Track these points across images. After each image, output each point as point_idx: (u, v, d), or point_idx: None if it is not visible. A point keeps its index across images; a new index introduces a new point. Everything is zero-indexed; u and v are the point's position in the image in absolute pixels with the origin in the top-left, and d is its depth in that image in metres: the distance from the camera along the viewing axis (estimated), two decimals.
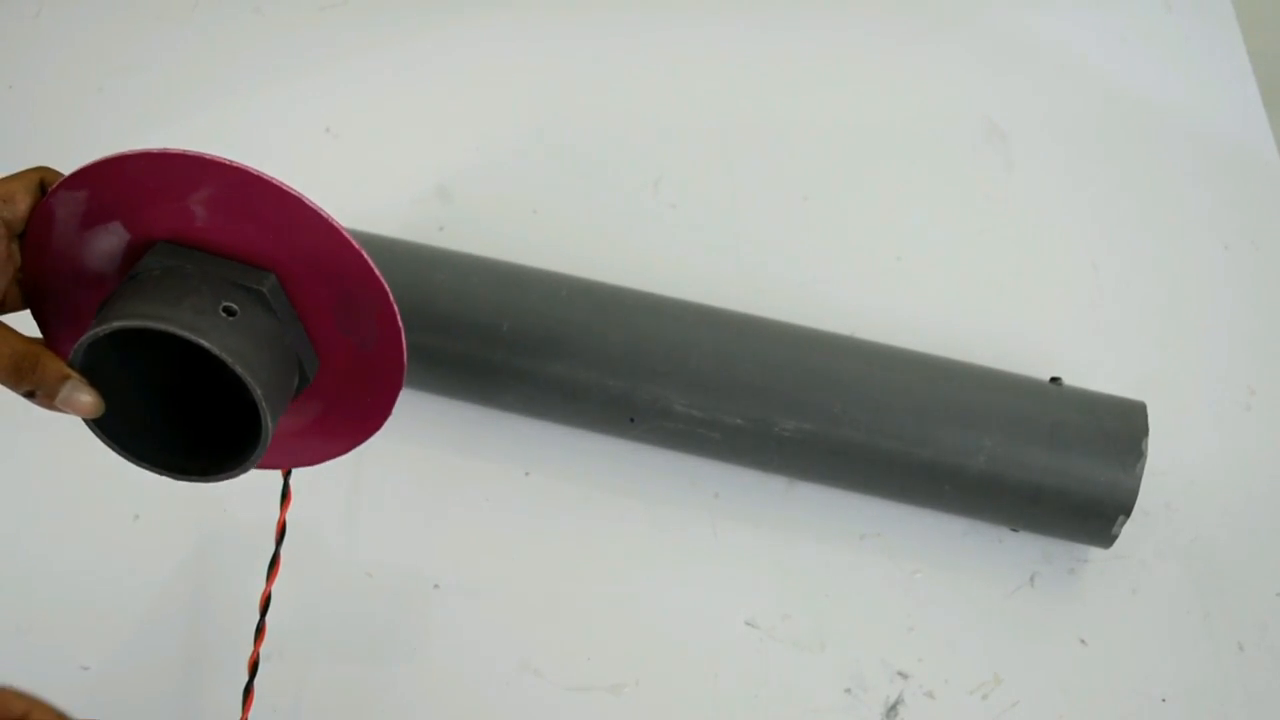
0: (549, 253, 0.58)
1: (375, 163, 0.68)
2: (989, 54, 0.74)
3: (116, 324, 0.36)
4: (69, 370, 0.36)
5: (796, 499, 0.57)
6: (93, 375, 0.37)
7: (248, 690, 0.45)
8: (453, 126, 0.70)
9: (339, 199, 0.63)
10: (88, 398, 0.37)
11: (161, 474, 0.40)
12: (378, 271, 0.39)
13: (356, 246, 0.38)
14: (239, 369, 0.36)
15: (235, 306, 0.37)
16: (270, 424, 0.38)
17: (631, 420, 0.54)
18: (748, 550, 0.56)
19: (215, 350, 0.36)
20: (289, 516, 0.57)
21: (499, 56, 0.73)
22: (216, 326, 0.36)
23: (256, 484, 0.55)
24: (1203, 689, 0.53)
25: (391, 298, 0.40)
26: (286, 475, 0.46)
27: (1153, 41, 0.75)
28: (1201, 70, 0.74)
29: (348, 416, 0.44)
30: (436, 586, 0.55)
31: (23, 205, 0.37)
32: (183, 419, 0.42)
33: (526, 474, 0.58)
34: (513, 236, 0.63)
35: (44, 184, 0.38)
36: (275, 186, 0.37)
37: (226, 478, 0.40)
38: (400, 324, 0.40)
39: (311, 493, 0.57)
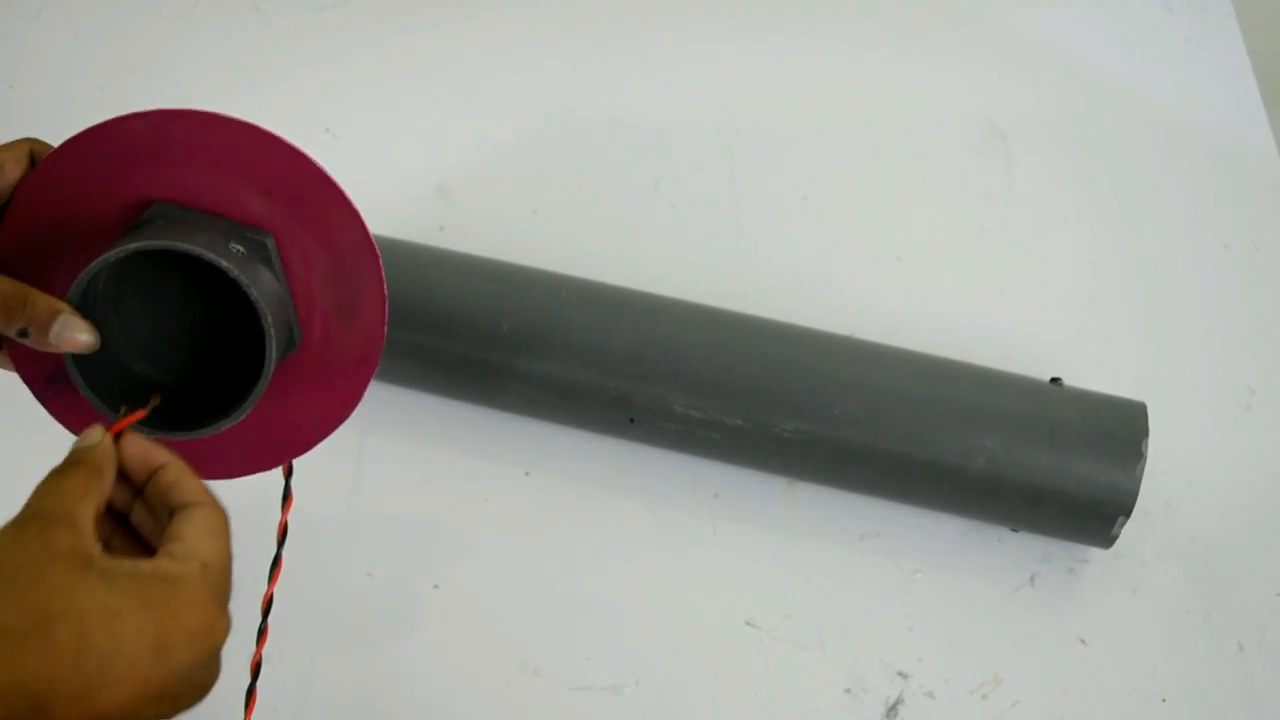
0: (549, 253, 0.58)
1: (375, 163, 0.68)
2: (989, 54, 0.74)
3: (134, 246, 0.35)
4: (60, 304, 0.35)
5: (797, 499, 0.57)
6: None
7: (250, 692, 0.45)
8: (453, 126, 0.70)
9: None
10: (83, 334, 0.35)
11: (149, 433, 0.39)
12: (373, 239, 0.39)
13: (355, 208, 0.38)
14: (252, 293, 0.36)
15: (243, 249, 0.37)
16: (274, 353, 0.37)
17: (631, 421, 0.54)
18: (748, 550, 0.56)
19: (232, 271, 0.35)
20: (289, 517, 0.57)
21: (499, 56, 0.73)
22: (229, 254, 0.36)
23: (257, 485, 0.55)
24: (1203, 689, 0.53)
25: (381, 267, 0.40)
26: (288, 476, 0.46)
27: (1153, 41, 0.75)
28: (1201, 70, 0.74)
29: (321, 396, 0.43)
30: (436, 586, 0.55)
31: (12, 174, 0.37)
32: (172, 392, 0.41)
33: (526, 474, 0.58)
34: (513, 236, 0.63)
35: (34, 155, 0.37)
36: (279, 141, 0.37)
37: (222, 426, 0.39)
38: (385, 294, 0.40)
39: (312, 493, 0.57)
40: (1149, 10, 0.76)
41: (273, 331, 0.37)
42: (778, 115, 0.71)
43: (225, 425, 0.39)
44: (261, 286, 0.37)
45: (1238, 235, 0.67)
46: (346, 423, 0.60)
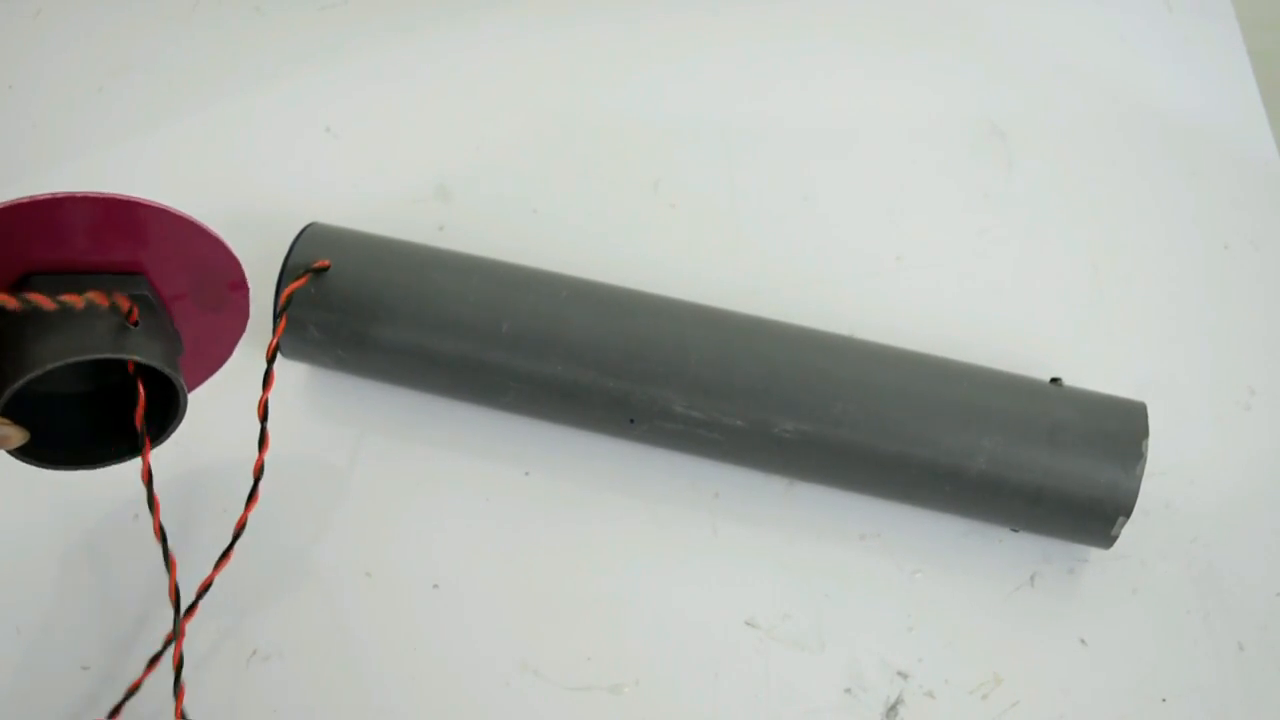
0: (549, 253, 0.58)
1: (375, 163, 0.68)
2: (988, 54, 0.74)
3: (50, 365, 0.39)
4: None
5: (797, 499, 0.57)
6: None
7: (181, 612, 0.48)
8: (453, 126, 0.70)
9: (339, 199, 0.64)
10: (12, 433, 0.41)
11: (89, 467, 0.45)
12: (224, 242, 0.45)
13: (197, 223, 0.43)
14: (167, 370, 0.42)
15: (132, 310, 0.41)
16: (185, 400, 0.44)
17: (631, 421, 0.54)
18: (748, 550, 0.56)
19: (150, 363, 0.41)
20: (289, 516, 0.57)
21: (499, 56, 0.73)
22: (130, 337, 0.41)
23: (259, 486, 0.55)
24: (1203, 689, 0.53)
25: (239, 262, 0.46)
26: (263, 422, 0.50)
27: (1153, 41, 0.75)
28: (1201, 70, 0.74)
29: (199, 362, 0.51)
30: (436, 586, 0.55)
31: None
32: (92, 412, 0.47)
33: (526, 474, 0.58)
34: (513, 237, 0.63)
35: None
36: (125, 202, 0.40)
37: (153, 447, 0.46)
38: (247, 284, 0.48)
39: (311, 492, 0.57)
40: (1149, 10, 0.76)
41: (182, 388, 0.43)
42: (777, 115, 0.71)
43: (157, 444, 0.46)
44: (164, 353, 0.42)
45: (1238, 235, 0.67)
46: (344, 422, 0.60)
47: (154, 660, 0.50)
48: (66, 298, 0.39)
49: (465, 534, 0.56)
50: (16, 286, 0.41)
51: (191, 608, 0.50)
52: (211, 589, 0.51)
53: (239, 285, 0.48)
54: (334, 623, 0.53)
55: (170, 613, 0.48)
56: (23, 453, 0.43)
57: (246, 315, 0.49)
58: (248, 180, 0.67)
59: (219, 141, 0.69)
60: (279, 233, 0.56)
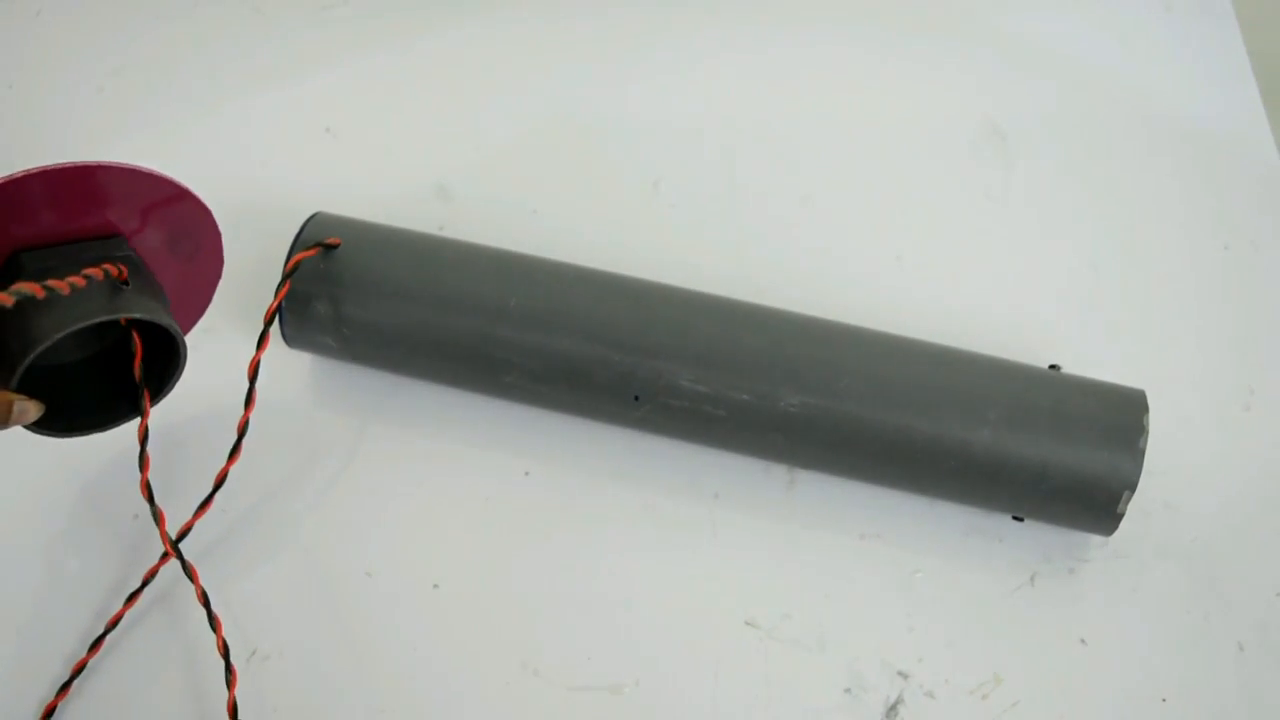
0: (549, 253, 0.58)
1: (375, 163, 0.68)
2: (988, 54, 0.74)
3: (56, 336, 0.40)
4: (11, 394, 0.41)
5: (797, 498, 0.57)
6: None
7: (207, 500, 0.51)
8: (453, 126, 0.70)
9: (339, 199, 0.64)
10: (29, 407, 0.42)
11: (101, 429, 0.47)
12: (190, 192, 0.46)
13: (163, 176, 0.44)
14: (165, 322, 0.43)
15: (122, 271, 0.43)
16: (185, 350, 0.46)
17: (636, 399, 0.53)
18: (748, 550, 0.56)
19: (147, 318, 0.43)
20: (289, 514, 0.57)
21: (499, 56, 0.73)
22: (124, 297, 0.43)
23: (255, 482, 0.55)
24: (1203, 689, 0.53)
25: (210, 213, 0.48)
26: (252, 382, 0.51)
27: (1153, 41, 0.75)
28: (1201, 70, 0.74)
29: (181, 312, 0.52)
30: (436, 586, 0.55)
31: None
32: (96, 377, 0.48)
33: (526, 473, 0.58)
34: (513, 237, 0.62)
35: None
36: (92, 167, 0.42)
37: (160, 396, 0.48)
38: (219, 230, 0.50)
39: (311, 490, 0.57)
40: (1149, 10, 0.76)
41: (181, 338, 0.45)
42: (778, 116, 0.71)
43: (160, 398, 0.48)
44: (158, 307, 0.44)
45: (1238, 235, 0.67)
46: (344, 416, 0.60)
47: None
48: (53, 283, 0.40)
49: (465, 534, 0.56)
50: (7, 266, 0.43)
51: (164, 556, 0.51)
52: (211, 591, 0.51)
53: (210, 231, 0.49)
54: (334, 623, 0.53)
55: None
56: (39, 425, 0.44)
57: (221, 260, 0.51)
58: (247, 181, 0.67)
59: (218, 142, 0.69)
60: (278, 233, 0.56)
